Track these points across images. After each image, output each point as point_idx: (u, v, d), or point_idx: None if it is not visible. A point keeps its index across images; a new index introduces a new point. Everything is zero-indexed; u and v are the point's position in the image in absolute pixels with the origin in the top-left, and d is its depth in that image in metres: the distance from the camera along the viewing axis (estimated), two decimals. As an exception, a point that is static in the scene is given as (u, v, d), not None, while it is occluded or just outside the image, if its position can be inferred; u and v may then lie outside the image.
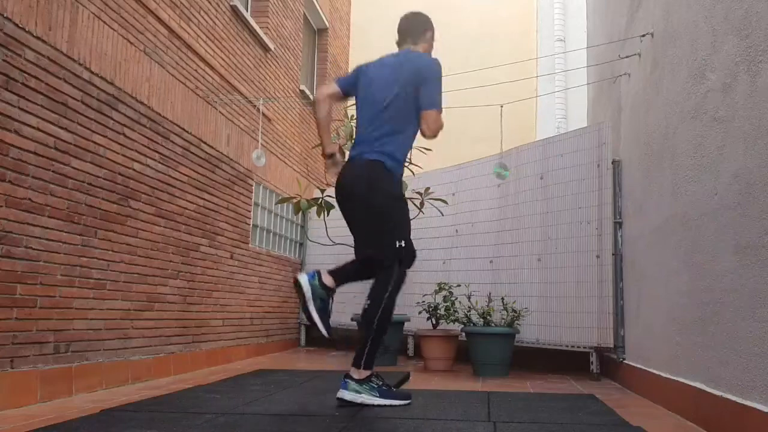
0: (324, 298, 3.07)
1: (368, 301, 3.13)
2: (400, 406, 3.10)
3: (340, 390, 3.08)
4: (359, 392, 3.07)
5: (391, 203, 3.23)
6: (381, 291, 3.13)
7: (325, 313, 3.08)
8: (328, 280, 3.10)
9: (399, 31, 3.50)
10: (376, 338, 3.13)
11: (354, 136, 3.47)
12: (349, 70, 10.08)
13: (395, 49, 3.50)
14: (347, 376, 3.11)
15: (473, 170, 5.96)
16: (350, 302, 6.67)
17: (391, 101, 3.23)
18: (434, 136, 3.29)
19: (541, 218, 5.24)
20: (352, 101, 3.50)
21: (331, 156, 3.44)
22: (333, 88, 3.45)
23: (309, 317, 3.05)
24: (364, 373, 3.11)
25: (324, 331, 3.06)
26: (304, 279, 3.07)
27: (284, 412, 2.88)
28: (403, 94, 3.23)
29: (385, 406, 3.07)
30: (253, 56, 5.98)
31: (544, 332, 5.07)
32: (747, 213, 2.33)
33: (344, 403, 3.06)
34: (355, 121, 3.51)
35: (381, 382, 3.16)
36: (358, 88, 3.40)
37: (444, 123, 3.30)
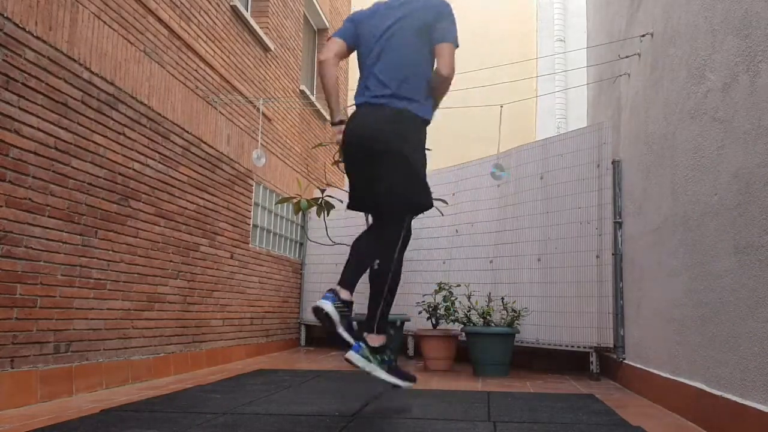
0: (347, 314, 2.90)
1: (378, 261, 2.93)
2: (403, 386, 3.00)
3: (351, 351, 2.87)
4: (369, 361, 2.88)
5: (420, 153, 3.04)
6: (392, 246, 2.96)
7: (351, 328, 2.92)
8: (345, 295, 2.90)
9: None
10: (389, 299, 2.96)
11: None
12: (349, 71, 10.05)
13: None
14: (361, 338, 2.90)
15: (473, 170, 5.96)
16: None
17: (394, 31, 3.02)
18: (451, 75, 3.00)
19: (541, 218, 5.25)
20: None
21: (341, 123, 3.21)
22: (338, 43, 3.16)
23: (341, 341, 2.89)
24: (378, 340, 2.92)
25: (354, 344, 2.92)
26: (329, 307, 2.82)
27: (284, 412, 2.87)
28: (407, 25, 3.01)
29: (388, 382, 2.93)
30: (253, 56, 5.98)
31: (544, 332, 5.07)
32: (747, 213, 2.33)
33: (351, 365, 2.88)
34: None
35: (392, 358, 3.00)
36: (359, 39, 3.15)
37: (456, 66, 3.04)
